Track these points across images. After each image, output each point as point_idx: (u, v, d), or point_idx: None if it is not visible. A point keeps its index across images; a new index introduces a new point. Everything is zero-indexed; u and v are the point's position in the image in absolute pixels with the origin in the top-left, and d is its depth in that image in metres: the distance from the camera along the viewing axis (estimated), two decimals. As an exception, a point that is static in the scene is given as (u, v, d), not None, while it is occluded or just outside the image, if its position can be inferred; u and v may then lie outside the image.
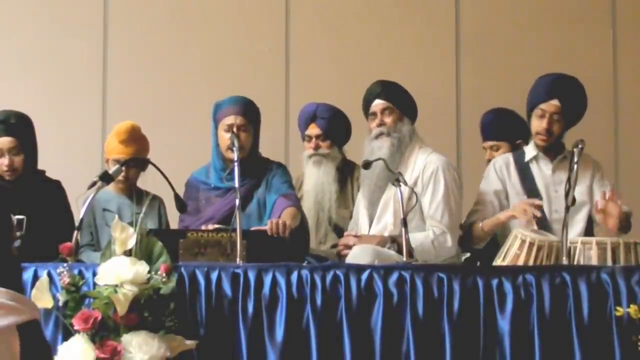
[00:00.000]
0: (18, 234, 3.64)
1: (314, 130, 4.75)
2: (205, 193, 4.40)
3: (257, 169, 4.36)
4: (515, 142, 4.75)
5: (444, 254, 4.20)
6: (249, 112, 4.36)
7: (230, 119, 4.32)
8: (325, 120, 4.73)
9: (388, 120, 4.35)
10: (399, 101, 4.38)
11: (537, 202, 4.17)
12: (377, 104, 4.38)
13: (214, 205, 4.34)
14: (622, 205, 4.24)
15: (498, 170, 4.44)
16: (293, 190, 4.41)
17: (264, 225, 4.11)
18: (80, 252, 4.08)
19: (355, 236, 4.26)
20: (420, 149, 4.35)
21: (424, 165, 4.28)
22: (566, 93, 4.33)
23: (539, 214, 4.08)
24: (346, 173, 4.76)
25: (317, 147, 4.72)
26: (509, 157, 4.50)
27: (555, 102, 4.32)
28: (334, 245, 4.56)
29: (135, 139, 4.36)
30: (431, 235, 4.18)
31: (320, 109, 4.77)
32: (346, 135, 4.82)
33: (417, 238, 4.13)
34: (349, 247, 4.18)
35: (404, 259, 3.84)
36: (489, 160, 4.79)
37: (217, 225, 4.13)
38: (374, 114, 4.38)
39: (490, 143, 4.85)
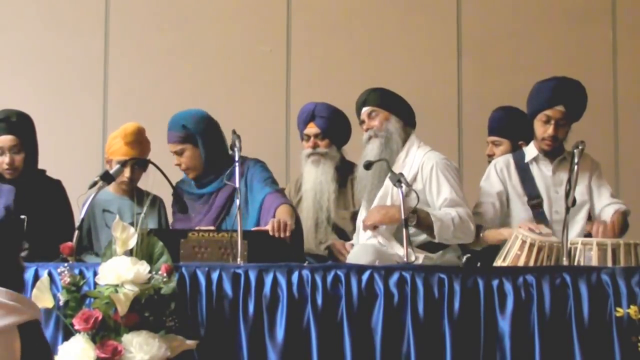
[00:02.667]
0: (26, 245, 3.65)
1: (312, 129, 4.75)
2: (189, 203, 4.41)
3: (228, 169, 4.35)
4: (517, 142, 4.76)
5: (462, 236, 4.17)
6: (184, 132, 4.38)
7: (171, 147, 4.42)
8: (324, 120, 4.73)
9: (374, 123, 4.39)
10: (384, 102, 4.41)
11: (543, 229, 4.15)
12: (364, 111, 4.44)
13: (201, 213, 4.37)
14: (619, 207, 4.27)
15: (499, 172, 4.45)
16: (278, 185, 4.43)
17: (250, 223, 4.13)
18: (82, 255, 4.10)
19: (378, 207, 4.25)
20: (418, 148, 4.36)
21: (422, 162, 4.29)
22: (570, 98, 4.34)
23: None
24: (345, 173, 4.75)
25: (315, 146, 4.72)
26: (509, 158, 4.51)
27: (560, 108, 4.33)
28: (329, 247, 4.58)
29: (141, 141, 4.37)
30: (452, 213, 4.16)
31: (319, 108, 4.77)
32: (345, 135, 4.82)
33: (438, 214, 4.14)
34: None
35: (405, 259, 3.83)
36: (489, 155, 4.82)
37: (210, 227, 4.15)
38: (363, 121, 4.44)
39: (493, 138, 4.87)
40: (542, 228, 4.06)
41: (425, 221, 4.11)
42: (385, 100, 4.42)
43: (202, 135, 4.40)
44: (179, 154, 4.40)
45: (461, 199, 4.23)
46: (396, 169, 4.25)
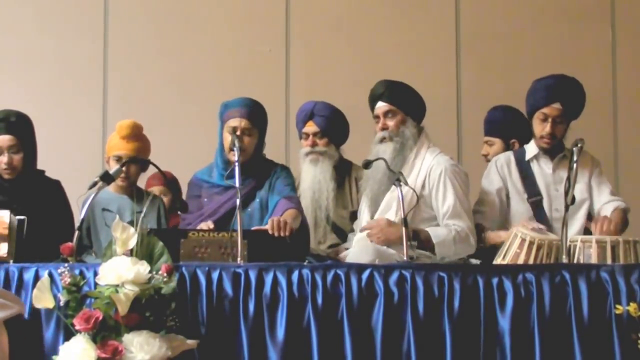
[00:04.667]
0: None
1: (311, 127, 4.75)
2: (207, 191, 4.39)
3: (260, 169, 4.36)
4: (509, 141, 4.79)
5: (463, 252, 4.21)
6: (255, 115, 4.36)
7: (234, 122, 4.31)
8: (323, 118, 4.73)
9: (391, 123, 4.36)
10: (403, 102, 4.38)
11: (538, 226, 4.17)
12: (380, 106, 4.39)
13: (215, 202, 4.35)
14: (619, 204, 4.28)
15: (499, 168, 4.46)
16: (295, 193, 4.42)
17: (265, 225, 4.12)
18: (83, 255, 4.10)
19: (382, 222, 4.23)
20: (428, 149, 4.35)
21: (430, 167, 4.28)
22: (567, 95, 4.35)
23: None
24: (343, 172, 4.76)
25: (313, 145, 4.72)
26: (510, 155, 4.53)
27: (557, 106, 4.34)
28: (332, 246, 4.57)
29: (137, 136, 4.35)
30: (453, 232, 4.18)
31: (318, 107, 4.77)
32: (344, 135, 4.82)
33: (439, 234, 4.16)
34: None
35: (405, 258, 3.84)
36: (484, 155, 4.85)
37: (210, 225, 4.13)
38: (378, 116, 4.40)
39: (486, 138, 4.92)
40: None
41: (427, 243, 4.16)
42: (403, 99, 4.38)
43: (264, 125, 4.40)
44: (247, 134, 4.31)
45: (464, 209, 4.24)
46: (405, 169, 4.24)
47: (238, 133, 4.25)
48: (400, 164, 4.28)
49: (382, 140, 4.34)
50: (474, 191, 4.51)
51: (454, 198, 4.22)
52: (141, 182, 4.50)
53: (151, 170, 4.36)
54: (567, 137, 4.41)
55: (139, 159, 4.29)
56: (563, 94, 4.34)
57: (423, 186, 4.27)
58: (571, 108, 4.37)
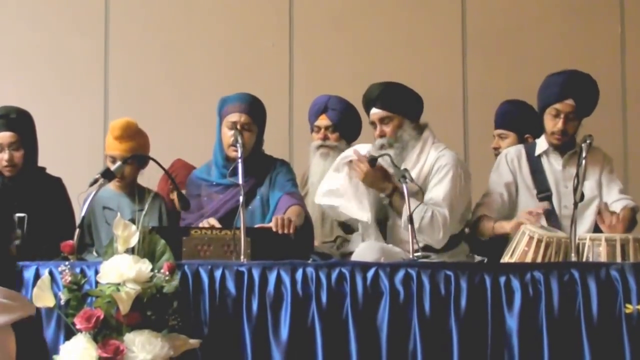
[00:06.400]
0: (18, 232, 3.61)
1: (323, 121, 4.73)
2: (206, 190, 4.36)
3: (260, 166, 4.33)
4: (523, 136, 4.75)
5: (426, 236, 4.10)
6: (255, 110, 4.32)
7: (234, 117, 4.27)
8: (336, 112, 4.72)
9: (388, 129, 4.29)
10: (398, 106, 4.30)
11: (539, 210, 4.13)
12: (375, 113, 4.32)
13: (215, 201, 4.31)
14: (627, 202, 4.24)
15: (509, 162, 4.42)
16: (297, 189, 4.39)
17: (267, 222, 4.08)
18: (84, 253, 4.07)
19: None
20: (432, 145, 4.30)
21: (435, 161, 4.24)
22: (580, 92, 4.31)
23: (543, 213, 4.08)
24: (352, 168, 4.73)
25: (325, 138, 4.71)
26: (521, 149, 4.49)
27: (570, 102, 4.29)
28: (336, 240, 4.55)
29: (131, 135, 4.28)
30: (428, 213, 4.08)
31: (332, 100, 4.76)
32: (355, 130, 4.80)
33: (412, 207, 4.09)
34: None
35: (411, 255, 3.81)
36: (495, 149, 4.81)
37: (216, 224, 4.09)
38: (374, 123, 4.34)
39: (499, 131, 4.87)
40: (541, 210, 4.08)
41: (397, 209, 4.13)
42: (398, 103, 4.30)
43: (263, 121, 4.36)
44: (247, 129, 4.27)
45: (452, 204, 4.15)
46: (409, 165, 4.20)
47: (238, 128, 4.22)
48: (401, 165, 4.23)
49: (382, 147, 4.29)
50: (481, 186, 4.47)
51: (444, 191, 4.15)
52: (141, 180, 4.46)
53: (152, 165, 4.29)
54: (578, 133, 4.36)
55: (137, 157, 4.22)
56: (576, 90, 4.30)
57: (426, 180, 4.22)
58: (584, 105, 4.33)
